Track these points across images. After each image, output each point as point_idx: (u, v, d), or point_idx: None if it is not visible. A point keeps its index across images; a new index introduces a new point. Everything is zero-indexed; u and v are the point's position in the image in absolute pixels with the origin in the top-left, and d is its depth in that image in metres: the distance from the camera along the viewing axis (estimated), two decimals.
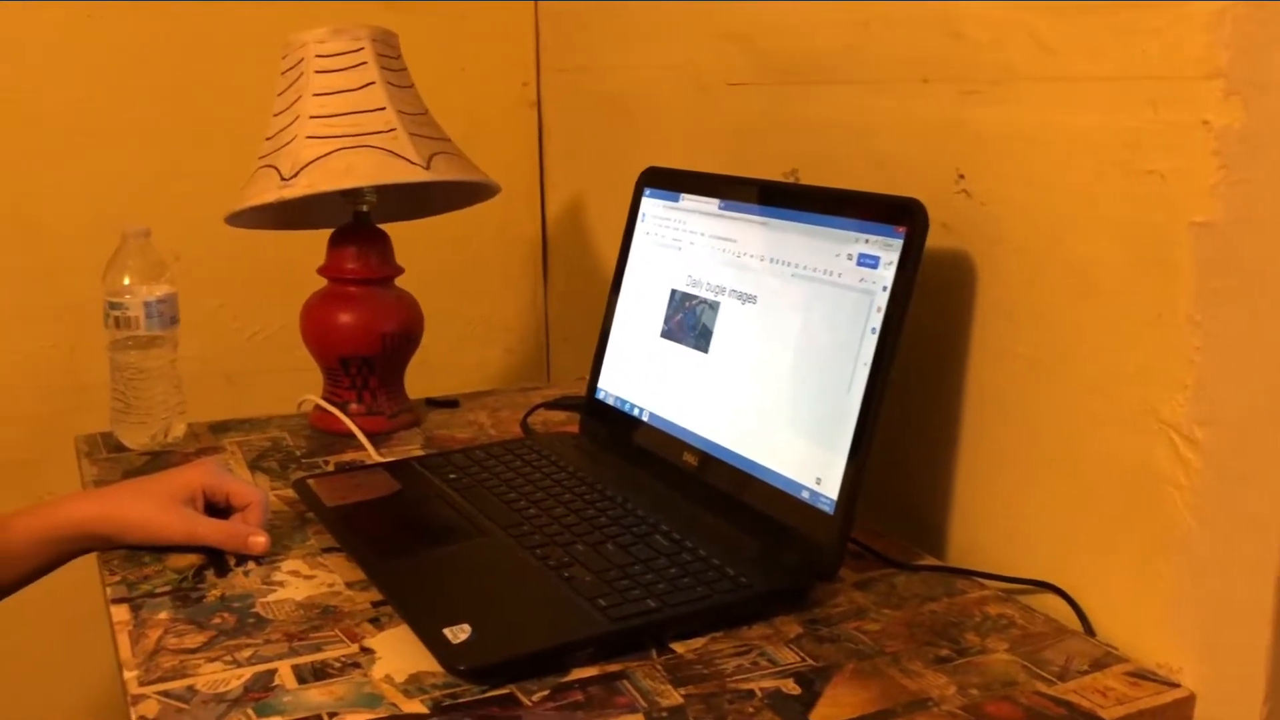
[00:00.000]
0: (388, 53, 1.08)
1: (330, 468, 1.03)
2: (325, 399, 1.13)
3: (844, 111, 0.96)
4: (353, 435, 1.09)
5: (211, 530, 0.85)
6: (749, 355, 0.88)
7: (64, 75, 1.34)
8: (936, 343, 0.87)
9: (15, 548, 0.83)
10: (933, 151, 0.87)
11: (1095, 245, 0.75)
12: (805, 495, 0.80)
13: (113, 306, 1.03)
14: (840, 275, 0.81)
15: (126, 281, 1.03)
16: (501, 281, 1.61)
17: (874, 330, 0.78)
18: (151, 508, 0.85)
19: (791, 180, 1.02)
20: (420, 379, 1.20)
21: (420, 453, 1.07)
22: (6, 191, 1.34)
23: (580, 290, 1.53)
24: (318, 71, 1.05)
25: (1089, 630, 0.76)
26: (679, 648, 0.72)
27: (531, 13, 1.53)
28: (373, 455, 1.05)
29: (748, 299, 0.89)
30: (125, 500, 0.86)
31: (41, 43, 1.32)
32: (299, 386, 1.19)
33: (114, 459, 1.06)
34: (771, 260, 0.87)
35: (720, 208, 0.94)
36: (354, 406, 1.12)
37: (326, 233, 1.13)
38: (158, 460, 1.05)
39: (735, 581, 0.76)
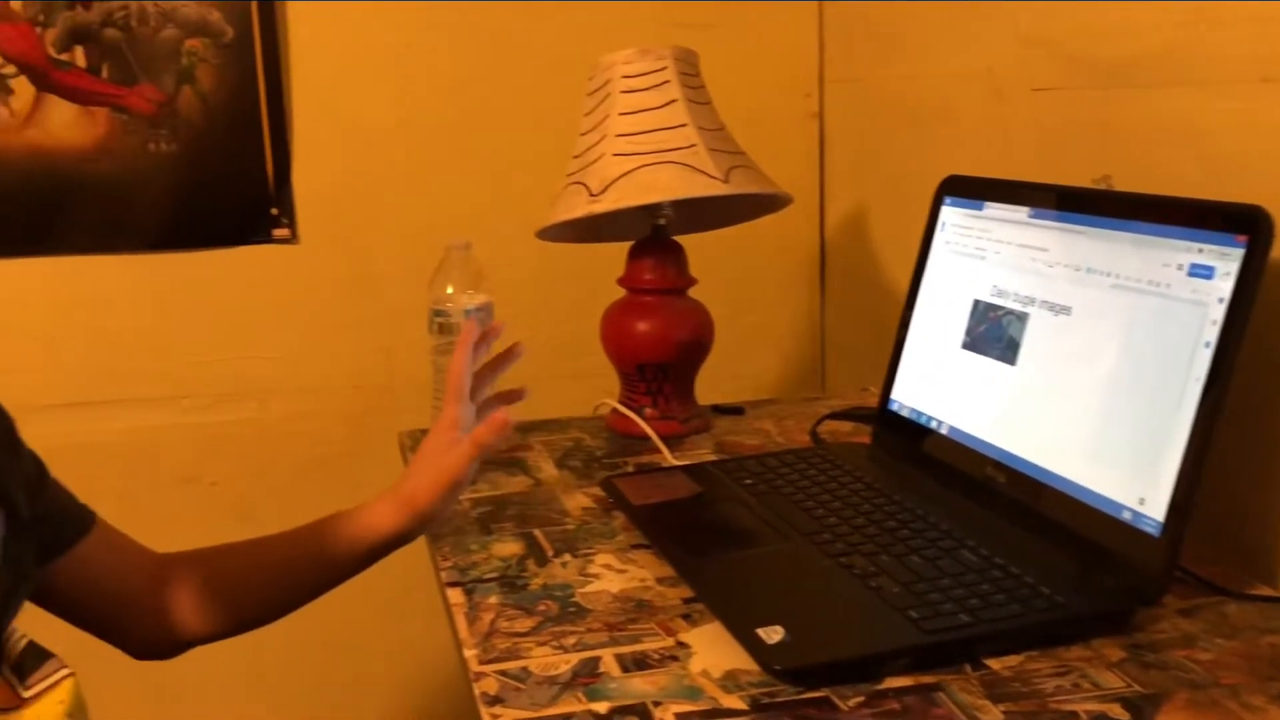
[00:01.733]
0: (688, 71, 1.12)
1: (630, 469, 1.08)
2: (621, 403, 1.18)
3: (1167, 115, 0.91)
4: (647, 438, 1.13)
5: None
6: (1062, 368, 0.85)
7: (389, 102, 1.46)
8: (1275, 357, 0.82)
9: (345, 546, 0.87)
10: (1273, 155, 0.81)
11: None
12: (1127, 516, 0.76)
13: (437, 314, 1.12)
14: (1169, 286, 0.77)
15: (449, 290, 1.12)
16: (778, 291, 1.62)
17: (1207, 345, 0.74)
18: (427, 469, 0.87)
19: (1103, 187, 0.98)
20: (699, 385, 1.23)
21: (712, 457, 1.10)
22: (338, 208, 1.48)
23: (858, 301, 1.52)
24: (623, 91, 1.10)
25: None
26: (993, 664, 0.71)
27: (815, 26, 1.54)
28: (668, 458, 1.09)
29: (1060, 310, 0.86)
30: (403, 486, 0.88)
31: (369, 72, 1.45)
32: (590, 391, 1.25)
33: None
34: (1088, 270, 0.84)
35: (1030, 216, 0.92)
36: (649, 411, 1.16)
37: (616, 245, 1.19)
38: None
39: (1051, 601, 0.74)
